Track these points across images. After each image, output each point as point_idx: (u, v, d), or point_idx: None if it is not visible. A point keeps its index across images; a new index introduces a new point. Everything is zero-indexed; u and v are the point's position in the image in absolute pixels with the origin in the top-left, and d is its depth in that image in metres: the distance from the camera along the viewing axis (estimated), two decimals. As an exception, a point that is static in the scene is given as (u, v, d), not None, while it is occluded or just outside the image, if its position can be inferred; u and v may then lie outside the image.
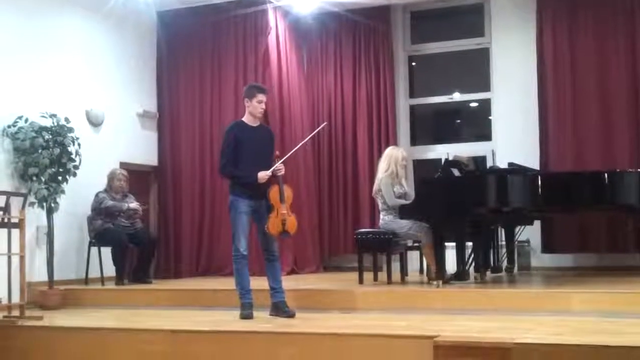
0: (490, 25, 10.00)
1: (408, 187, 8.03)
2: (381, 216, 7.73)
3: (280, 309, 6.32)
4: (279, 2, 9.75)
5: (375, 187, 7.77)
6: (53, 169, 7.88)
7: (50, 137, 7.91)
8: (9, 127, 7.83)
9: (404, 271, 8.03)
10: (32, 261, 7.91)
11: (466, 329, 5.40)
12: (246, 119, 6.46)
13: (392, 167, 7.66)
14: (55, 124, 8.00)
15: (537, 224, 9.04)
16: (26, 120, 7.89)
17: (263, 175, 6.25)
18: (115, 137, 9.38)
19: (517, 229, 8.83)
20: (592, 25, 9.21)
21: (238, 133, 6.37)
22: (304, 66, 10.55)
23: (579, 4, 9.29)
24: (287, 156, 6.61)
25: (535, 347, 4.63)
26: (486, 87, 10.12)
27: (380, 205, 7.72)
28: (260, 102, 6.37)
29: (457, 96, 10.48)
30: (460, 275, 7.58)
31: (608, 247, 8.94)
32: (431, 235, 7.33)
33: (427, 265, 7.73)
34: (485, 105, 10.19)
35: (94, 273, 8.41)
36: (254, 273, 6.88)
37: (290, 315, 6.26)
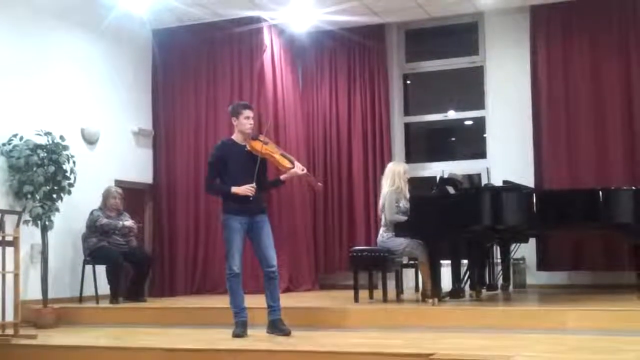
0: (484, 44, 10.06)
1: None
2: (380, 232, 7.72)
3: (276, 327, 6.29)
4: (274, 20, 9.80)
5: (380, 203, 7.76)
6: (48, 187, 7.86)
7: (45, 155, 7.90)
8: (3, 145, 7.82)
9: (399, 289, 8.02)
10: (26, 279, 7.88)
11: (462, 347, 5.39)
12: (235, 137, 6.48)
13: (397, 182, 7.66)
14: (51, 141, 7.99)
15: (532, 241, 9.05)
16: (21, 138, 7.88)
17: (236, 189, 6.24)
18: (111, 155, 9.37)
19: (512, 247, 8.84)
20: (586, 43, 9.28)
21: (224, 151, 6.42)
22: (299, 84, 10.60)
23: (573, 23, 9.36)
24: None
25: (532, 365, 4.63)
26: (481, 105, 10.16)
27: (383, 221, 7.71)
28: (247, 117, 6.40)
29: (451, 114, 10.53)
30: (456, 293, 7.58)
31: (603, 265, 8.96)
32: (427, 253, 7.33)
33: (423, 283, 7.72)
34: (480, 123, 10.23)
35: (89, 291, 8.37)
36: (247, 291, 6.83)
37: (287, 333, 6.23)
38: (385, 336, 6.13)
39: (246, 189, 6.24)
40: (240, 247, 6.31)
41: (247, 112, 6.42)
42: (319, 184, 7.10)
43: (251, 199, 6.25)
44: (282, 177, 6.50)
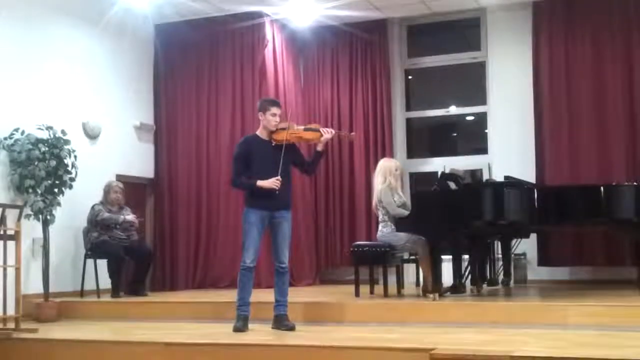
0: (486, 39, 10.05)
1: (404, 197, 8.03)
2: (379, 227, 7.72)
3: (281, 322, 6.31)
4: (276, 15, 9.80)
5: (374, 200, 7.75)
6: (49, 181, 7.86)
7: (47, 149, 7.90)
8: (5, 139, 7.81)
9: (400, 284, 8.02)
10: (27, 273, 7.88)
11: (462, 342, 5.39)
12: (260, 132, 6.52)
13: (389, 179, 7.67)
14: (52, 136, 8.00)
15: (533, 237, 9.04)
16: (22, 133, 7.87)
17: (262, 183, 6.26)
18: (112, 149, 9.37)
19: (513, 242, 8.83)
20: (588, 39, 9.27)
21: (248, 146, 6.45)
22: (301, 79, 10.59)
23: (575, 18, 9.35)
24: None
25: (533, 360, 4.62)
26: (482, 100, 10.16)
27: (380, 217, 7.71)
28: (274, 115, 6.43)
29: (453, 109, 10.52)
30: (457, 288, 7.57)
31: (604, 260, 8.96)
32: (428, 248, 7.33)
33: (424, 278, 7.72)
34: (482, 118, 10.23)
35: (90, 285, 8.37)
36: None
37: (290, 328, 6.25)
38: (385, 331, 6.14)
39: (272, 183, 6.26)
40: (256, 241, 6.33)
41: (274, 109, 6.46)
42: (352, 133, 7.19)
43: (277, 192, 6.27)
44: (318, 148, 6.52)
